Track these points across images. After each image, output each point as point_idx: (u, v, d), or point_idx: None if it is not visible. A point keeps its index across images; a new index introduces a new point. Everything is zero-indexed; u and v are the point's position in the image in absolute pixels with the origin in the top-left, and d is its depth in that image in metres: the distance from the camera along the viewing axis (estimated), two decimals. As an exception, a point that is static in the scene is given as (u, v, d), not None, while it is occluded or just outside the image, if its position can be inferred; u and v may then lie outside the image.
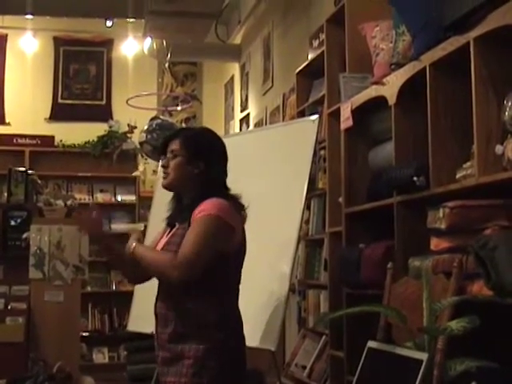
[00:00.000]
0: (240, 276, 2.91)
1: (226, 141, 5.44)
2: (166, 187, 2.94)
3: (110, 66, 9.53)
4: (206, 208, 2.73)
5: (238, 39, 8.87)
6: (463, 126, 3.15)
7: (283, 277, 4.00)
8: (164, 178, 2.92)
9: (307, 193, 4.14)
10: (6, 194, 6.60)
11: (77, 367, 5.85)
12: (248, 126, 8.25)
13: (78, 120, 9.29)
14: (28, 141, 8.97)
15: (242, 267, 2.91)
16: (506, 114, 2.76)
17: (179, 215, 2.90)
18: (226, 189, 2.92)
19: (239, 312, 2.89)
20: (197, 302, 2.73)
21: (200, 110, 9.72)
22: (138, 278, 3.10)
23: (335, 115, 4.58)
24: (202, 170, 2.85)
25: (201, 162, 2.86)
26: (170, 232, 2.93)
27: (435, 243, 3.12)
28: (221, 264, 2.75)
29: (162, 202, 5.10)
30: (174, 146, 2.89)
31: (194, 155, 2.86)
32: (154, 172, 8.30)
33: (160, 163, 2.98)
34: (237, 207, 2.86)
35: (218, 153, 2.94)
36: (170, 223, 2.97)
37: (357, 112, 4.14)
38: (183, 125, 9.36)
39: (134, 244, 2.82)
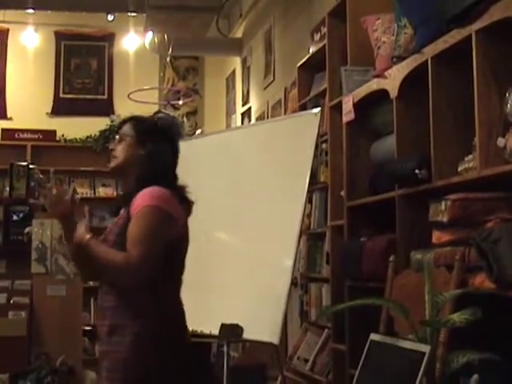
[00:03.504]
0: (183, 267, 2.84)
1: (227, 135, 5.49)
2: (112, 170, 2.88)
3: (111, 60, 9.53)
4: (145, 199, 2.67)
5: (239, 33, 8.86)
6: (465, 118, 3.15)
7: (285, 270, 4.00)
8: (111, 161, 2.87)
9: (309, 186, 4.14)
10: (8, 189, 6.60)
11: (79, 361, 5.86)
12: (249, 120, 8.24)
13: (79, 114, 9.29)
14: (30, 135, 8.98)
15: (184, 258, 2.85)
16: (508, 106, 2.76)
17: (122, 202, 2.82)
18: (173, 177, 2.86)
19: (180, 302, 2.83)
20: (135, 293, 2.67)
21: (201, 104, 9.71)
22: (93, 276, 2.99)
23: (337, 108, 4.58)
24: (149, 151, 2.79)
25: (148, 142, 2.80)
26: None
27: (437, 236, 3.12)
28: (162, 254, 2.67)
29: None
30: (124, 128, 2.87)
31: (140, 136, 2.81)
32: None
33: (109, 147, 2.93)
34: (180, 197, 2.80)
35: (166, 136, 2.86)
36: (116, 211, 2.88)
37: (358, 105, 4.14)
38: (185, 119, 9.36)
39: (87, 235, 2.66)
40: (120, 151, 2.83)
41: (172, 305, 2.78)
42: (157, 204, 2.66)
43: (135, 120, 2.89)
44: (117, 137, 2.88)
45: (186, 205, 2.86)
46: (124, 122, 2.91)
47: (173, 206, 2.72)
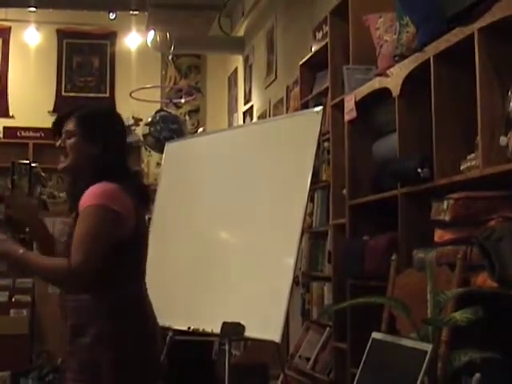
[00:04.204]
0: (141, 261, 2.74)
1: (229, 133, 5.47)
2: (64, 170, 2.72)
3: (113, 58, 9.54)
4: (88, 198, 2.55)
5: (241, 32, 8.86)
6: (467, 117, 3.14)
7: (287, 269, 4.00)
8: (61, 160, 2.69)
9: (311, 185, 4.14)
10: (10, 187, 6.60)
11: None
12: (251, 119, 8.24)
13: (81, 113, 9.29)
14: (32, 133, 8.99)
15: (142, 252, 2.74)
16: (511, 104, 2.75)
17: (72, 201, 2.71)
18: (125, 169, 2.73)
19: (142, 299, 2.73)
20: (91, 294, 2.59)
21: (204, 102, 9.72)
22: None
23: (339, 107, 4.58)
24: (100, 149, 2.65)
25: (99, 140, 2.66)
26: None
27: (439, 235, 3.12)
28: (111, 252, 2.56)
29: (166, 194, 5.12)
30: (69, 125, 2.68)
31: (90, 134, 2.66)
32: (158, 165, 8.30)
33: (57, 144, 2.73)
34: (132, 190, 2.65)
35: (116, 130, 2.76)
36: (71, 210, 2.74)
37: (360, 104, 4.14)
38: (187, 117, 9.36)
39: (21, 250, 2.53)
40: (70, 151, 2.67)
41: (130, 303, 2.66)
42: (99, 202, 2.53)
43: (80, 114, 2.71)
44: (65, 135, 2.70)
45: (140, 198, 2.72)
46: (66, 116, 2.73)
47: (120, 202, 2.57)
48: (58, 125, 2.74)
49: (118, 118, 2.83)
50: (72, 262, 2.45)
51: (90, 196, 2.55)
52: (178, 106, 9.33)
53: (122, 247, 2.60)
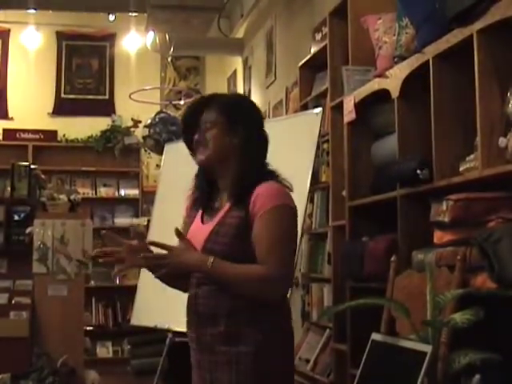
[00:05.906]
0: None
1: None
2: (204, 163, 2.54)
3: (112, 60, 9.53)
4: (270, 198, 2.43)
5: (240, 33, 8.86)
6: (467, 118, 3.14)
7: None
8: (200, 152, 2.53)
9: (310, 186, 4.13)
10: (9, 189, 6.61)
11: (81, 361, 5.87)
12: (251, 120, 8.23)
13: (80, 115, 9.30)
14: (31, 135, 8.99)
15: None
16: (510, 106, 2.75)
17: (220, 197, 2.58)
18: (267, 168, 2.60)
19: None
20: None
21: (203, 103, 9.71)
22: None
23: (338, 108, 4.58)
24: (242, 139, 2.52)
25: (240, 129, 2.52)
26: (203, 216, 2.61)
27: (439, 236, 3.12)
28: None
29: (165, 196, 5.11)
30: (209, 116, 2.54)
31: (232, 122, 2.53)
32: (157, 166, 8.30)
33: (196, 137, 2.55)
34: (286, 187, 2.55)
35: (257, 121, 2.62)
36: (205, 207, 2.62)
37: (360, 105, 4.13)
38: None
39: (211, 259, 2.41)
40: (210, 141, 2.51)
41: (287, 305, 2.62)
42: (284, 202, 2.44)
43: (220, 104, 2.57)
44: (205, 125, 2.54)
45: None
46: (204, 105, 2.59)
47: (293, 202, 2.49)
48: (194, 118, 2.60)
49: (257, 106, 2.69)
50: (273, 268, 2.37)
51: (270, 196, 2.44)
52: (177, 108, 9.34)
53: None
